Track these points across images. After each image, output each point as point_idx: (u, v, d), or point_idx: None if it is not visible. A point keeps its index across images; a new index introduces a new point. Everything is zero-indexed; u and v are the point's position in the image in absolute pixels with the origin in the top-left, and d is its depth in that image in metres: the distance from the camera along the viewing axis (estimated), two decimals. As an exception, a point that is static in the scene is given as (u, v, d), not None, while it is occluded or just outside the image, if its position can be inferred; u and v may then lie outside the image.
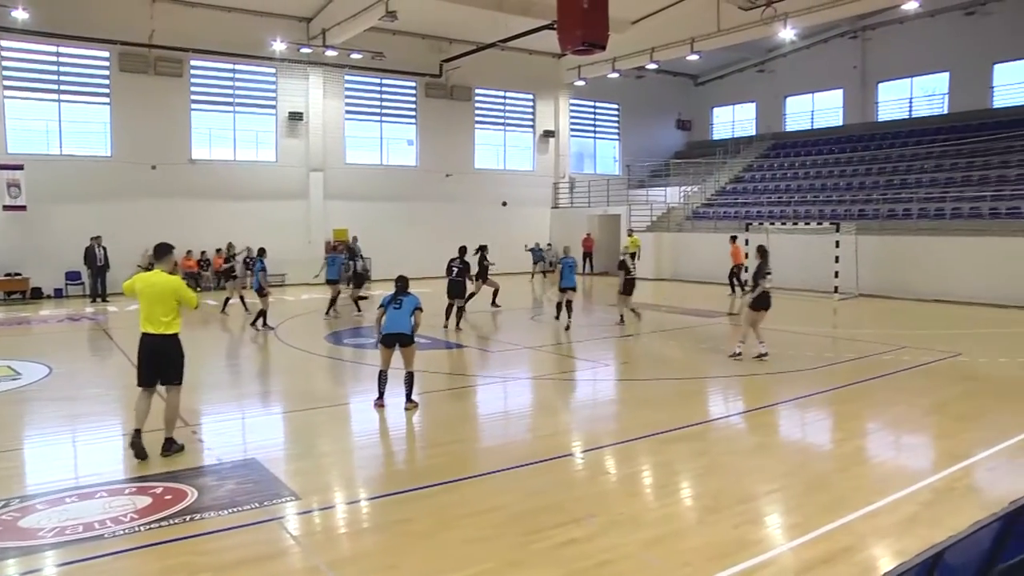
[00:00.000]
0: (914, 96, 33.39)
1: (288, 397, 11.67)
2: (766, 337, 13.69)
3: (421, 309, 10.04)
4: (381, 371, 10.17)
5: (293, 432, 9.52)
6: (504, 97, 35.90)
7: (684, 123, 42.23)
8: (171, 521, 6.22)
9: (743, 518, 6.33)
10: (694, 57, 30.39)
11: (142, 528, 6.10)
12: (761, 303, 13.35)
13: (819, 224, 25.12)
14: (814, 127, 36.90)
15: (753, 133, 39.07)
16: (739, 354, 13.43)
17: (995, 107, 29.99)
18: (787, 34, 26.48)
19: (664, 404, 10.28)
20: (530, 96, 36.45)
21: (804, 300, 23.03)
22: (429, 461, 8.17)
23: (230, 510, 6.45)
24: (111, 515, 6.35)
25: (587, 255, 34.55)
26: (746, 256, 23.87)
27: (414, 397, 10.13)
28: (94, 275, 25.06)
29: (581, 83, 35.24)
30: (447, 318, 17.60)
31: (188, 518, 6.28)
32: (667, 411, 9.84)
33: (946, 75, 31.77)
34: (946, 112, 31.69)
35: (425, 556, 5.63)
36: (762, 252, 13.66)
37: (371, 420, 10.16)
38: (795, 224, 26.07)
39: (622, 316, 18.48)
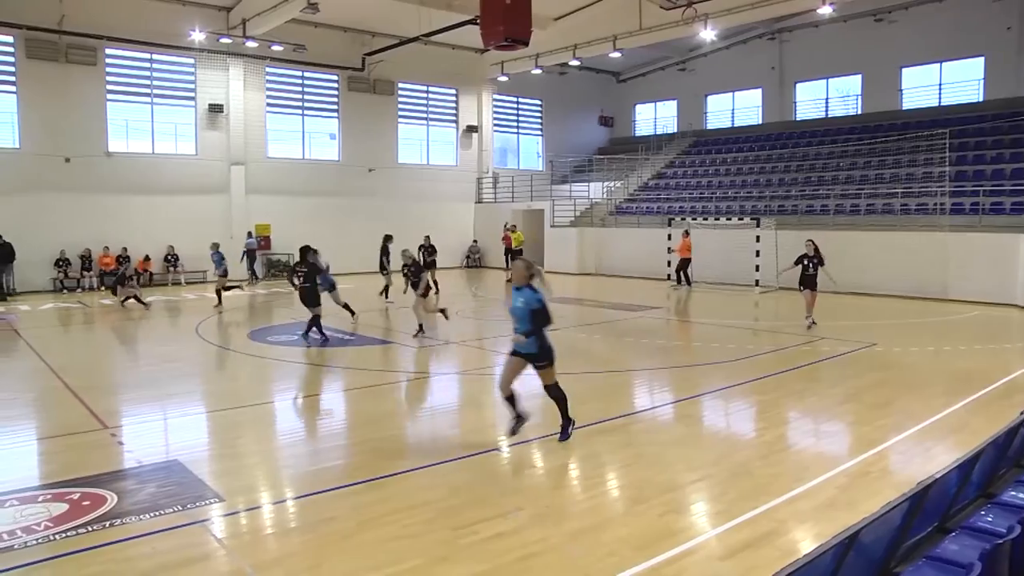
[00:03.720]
0: (829, 96, 34.40)
1: (211, 397, 11.45)
2: (696, 330, 13.92)
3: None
4: None
5: (216, 432, 9.34)
6: (427, 91, 35.70)
7: (607, 119, 42.70)
8: (89, 528, 6.03)
9: (668, 507, 6.46)
10: (616, 55, 30.69)
11: (58, 536, 5.89)
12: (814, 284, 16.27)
13: (740, 219, 25.76)
14: (734, 125, 37.72)
15: (675, 130, 39.68)
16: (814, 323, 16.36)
17: (905, 108, 31.09)
18: (707, 34, 26.98)
19: (589, 397, 10.36)
20: (453, 91, 36.35)
21: (726, 293, 23.58)
22: (353, 459, 8.10)
23: (152, 514, 6.29)
24: (23, 524, 6.11)
25: (508, 251, 34.59)
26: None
27: None
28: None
29: (504, 78, 35.30)
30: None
31: (107, 524, 6.10)
32: (592, 404, 9.92)
33: (859, 77, 32.87)
34: (859, 112, 32.75)
35: (352, 555, 5.61)
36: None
37: (295, 419, 10.05)
38: (717, 219, 26.66)
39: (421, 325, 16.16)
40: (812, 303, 16.50)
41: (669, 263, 26.18)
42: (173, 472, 7.38)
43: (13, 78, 25.65)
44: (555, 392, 8.32)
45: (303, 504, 6.67)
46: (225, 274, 21.14)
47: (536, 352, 8.15)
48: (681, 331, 17.92)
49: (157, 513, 6.31)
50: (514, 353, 8.30)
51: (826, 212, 25.93)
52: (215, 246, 21.43)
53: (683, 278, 25.36)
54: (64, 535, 5.92)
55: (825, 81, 34.33)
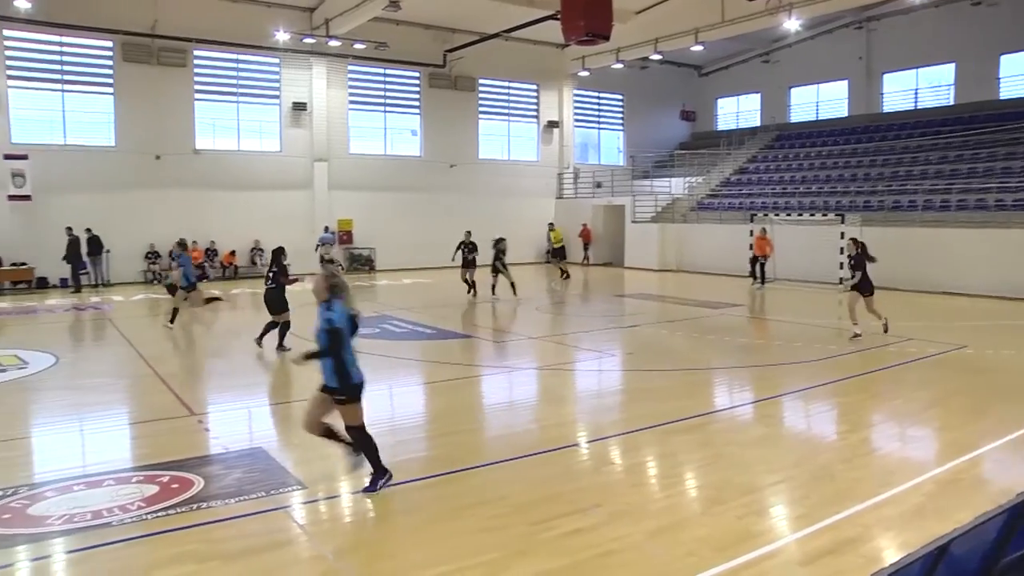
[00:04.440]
0: (919, 87, 33.22)
1: (294, 387, 11.70)
2: (777, 329, 13.67)
3: None
4: None
5: (298, 422, 9.49)
6: (508, 87, 35.81)
7: (688, 114, 42.12)
8: (178, 509, 6.26)
9: (747, 509, 6.34)
10: (698, 48, 30.25)
11: (149, 516, 6.14)
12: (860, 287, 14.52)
13: (824, 215, 25.13)
14: (819, 118, 36.72)
15: (757, 124, 38.89)
16: (859, 335, 14.49)
17: (1002, 98, 29.83)
18: (792, 25, 26.36)
19: (668, 395, 10.28)
20: (534, 86, 36.36)
21: (808, 291, 23.04)
22: (433, 451, 8.19)
23: (237, 499, 6.49)
24: (119, 503, 6.39)
25: (586, 245, 34.75)
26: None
27: None
28: (75, 267, 24.92)
29: (585, 73, 35.12)
30: (270, 337, 13.97)
31: (195, 506, 6.32)
32: (671, 402, 9.84)
33: (952, 66, 31.61)
34: (952, 103, 31.56)
35: (430, 546, 5.65)
36: (859, 243, 14.79)
37: (376, 410, 10.18)
38: (800, 215, 26.05)
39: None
40: (870, 308, 14.68)
41: (751, 260, 25.65)
42: (257, 459, 7.58)
43: (111, 81, 26.88)
44: (357, 436, 6.75)
45: (383, 494, 6.74)
46: (193, 284, 16.59)
47: (336, 385, 6.74)
48: (762, 329, 17.59)
49: (242, 498, 6.50)
50: (322, 387, 6.90)
51: (914, 208, 25.07)
52: (180, 244, 17.57)
53: (758, 275, 24.88)
54: (155, 515, 6.16)
55: (915, 71, 33.13)
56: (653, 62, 35.37)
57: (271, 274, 13.86)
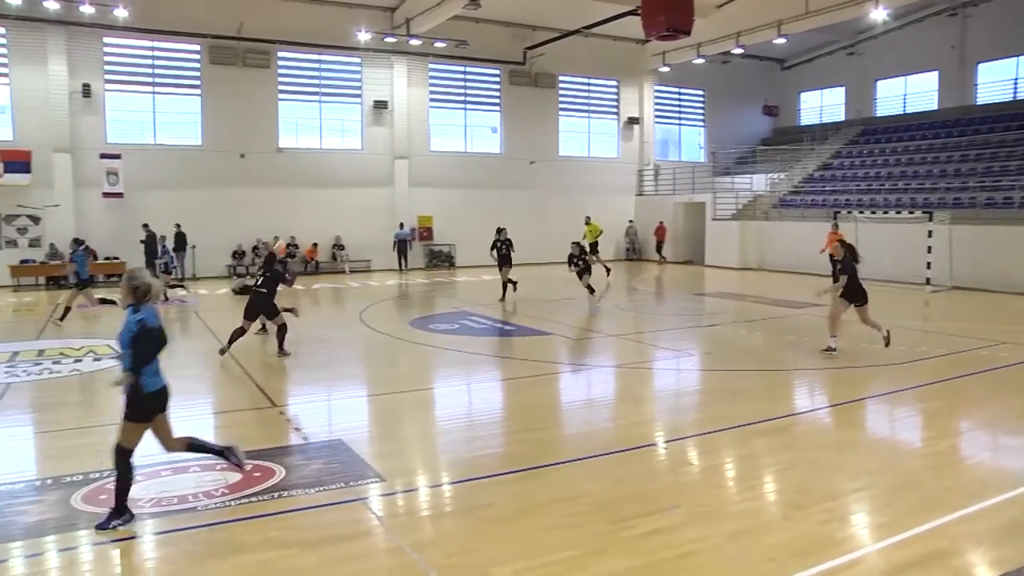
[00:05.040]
0: (1020, 77, 31.69)
1: (372, 381, 11.85)
2: (860, 330, 13.27)
3: None
4: None
5: (377, 415, 9.67)
6: (588, 84, 35.67)
7: (770, 109, 41.24)
8: (260, 497, 6.40)
9: (829, 515, 6.14)
10: (781, 41, 29.62)
11: (232, 503, 6.31)
12: (850, 295, 12.73)
13: (911, 213, 24.23)
14: (906, 111, 35.47)
15: (842, 118, 37.81)
16: (833, 350, 12.78)
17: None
18: (879, 14, 25.56)
19: (748, 396, 10.07)
20: (614, 82, 36.14)
21: (894, 292, 22.30)
22: (511, 447, 8.18)
23: (316, 489, 6.60)
24: (204, 489, 6.58)
25: (660, 243, 34.41)
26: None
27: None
28: (150, 262, 25.67)
29: (665, 69, 34.77)
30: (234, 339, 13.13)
31: (276, 495, 6.46)
32: (751, 403, 9.64)
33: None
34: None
35: (508, 541, 5.65)
36: (847, 244, 13.22)
37: (454, 406, 10.26)
38: (885, 213, 25.23)
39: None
40: (865, 319, 12.94)
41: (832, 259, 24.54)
42: (337, 451, 7.69)
43: (198, 82, 27.97)
44: (119, 461, 5.91)
45: (461, 489, 6.79)
46: (85, 282, 17.13)
47: (127, 395, 6.05)
48: (844, 330, 17.05)
49: (321, 488, 6.61)
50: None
51: (1009, 205, 24.03)
52: (76, 241, 18.02)
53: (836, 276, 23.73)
54: (238, 502, 6.33)
55: (1015, 59, 31.44)
56: (735, 56, 34.78)
57: (262, 279, 13.10)
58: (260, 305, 12.98)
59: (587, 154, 35.81)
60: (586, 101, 35.86)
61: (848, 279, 12.63)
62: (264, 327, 14.62)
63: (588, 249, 25.70)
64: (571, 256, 19.41)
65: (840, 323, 12.87)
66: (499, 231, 21.06)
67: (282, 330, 13.10)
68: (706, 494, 6.71)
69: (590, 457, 7.57)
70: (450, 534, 5.83)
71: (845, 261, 12.78)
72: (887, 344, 12.58)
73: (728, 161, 38.00)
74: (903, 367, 11.98)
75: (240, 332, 12.87)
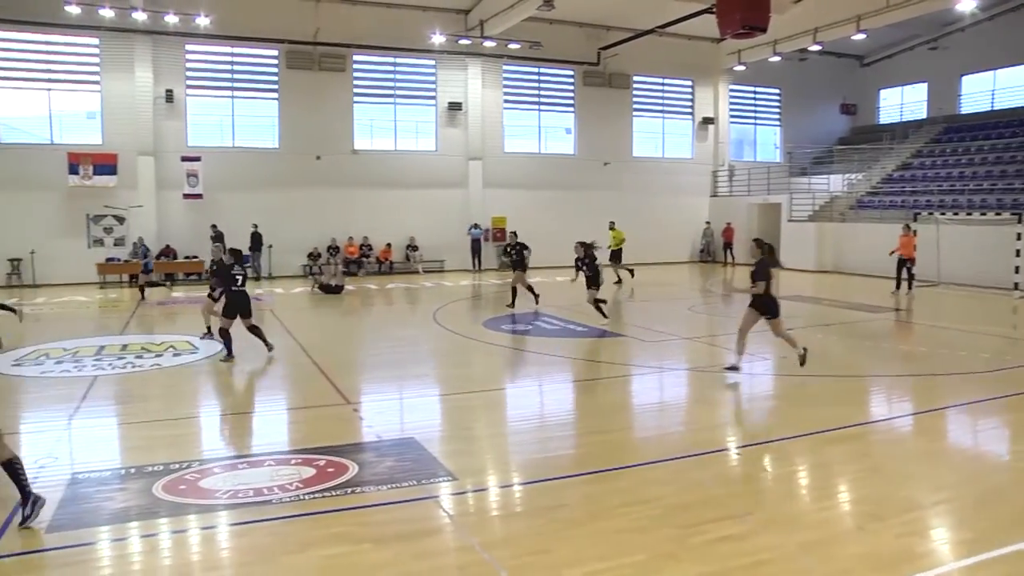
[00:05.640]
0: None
1: (445, 380, 11.91)
2: (942, 336, 12.82)
3: None
4: None
5: (450, 414, 9.70)
6: (662, 84, 35.33)
7: (849, 107, 40.10)
8: (333, 492, 6.48)
9: (908, 528, 5.91)
10: (860, 36, 28.79)
11: (306, 497, 6.40)
12: (760, 305, 11.02)
13: (997, 214, 23.31)
14: (994, 108, 34.03)
15: (924, 116, 36.58)
16: (736, 368, 11.17)
17: None
18: (967, 5, 24.65)
19: (823, 402, 9.78)
20: (689, 82, 35.71)
21: (977, 297, 21.52)
22: (582, 449, 8.12)
23: (389, 485, 6.65)
24: (278, 482, 6.70)
25: (727, 245, 33.90)
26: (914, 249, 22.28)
27: None
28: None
29: (741, 68, 34.21)
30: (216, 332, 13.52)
31: (349, 490, 6.53)
32: (826, 409, 9.36)
33: None
34: None
35: (578, 543, 5.59)
36: (764, 244, 11.45)
37: (526, 406, 10.23)
38: (969, 214, 24.31)
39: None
40: (778, 332, 11.27)
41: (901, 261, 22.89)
42: (409, 448, 7.74)
43: (276, 87, 28.71)
44: None
45: (532, 489, 6.76)
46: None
47: None
48: (925, 336, 16.52)
49: (394, 485, 6.66)
50: None
51: (1107, 206, 22.95)
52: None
53: (903, 279, 22.39)
54: (312, 496, 6.42)
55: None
56: (812, 53, 33.90)
57: (240, 277, 12.79)
58: (241, 304, 12.73)
59: (661, 155, 35.45)
60: (660, 101, 35.50)
61: (766, 286, 10.88)
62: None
63: (609, 255, 24.86)
64: (578, 259, 16.86)
65: (746, 336, 11.22)
66: (511, 235, 20.83)
67: (253, 330, 12.90)
68: (779, 502, 6.57)
69: (661, 461, 7.47)
70: (521, 534, 5.80)
71: (760, 265, 10.96)
72: (802, 363, 10.92)
73: (804, 161, 37.14)
74: (987, 376, 11.49)
75: (225, 333, 12.58)
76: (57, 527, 5.82)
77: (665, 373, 12.19)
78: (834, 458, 7.73)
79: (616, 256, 25.73)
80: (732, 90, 36.67)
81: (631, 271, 25.86)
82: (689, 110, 36.02)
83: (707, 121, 35.86)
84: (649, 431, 8.97)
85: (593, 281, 16.45)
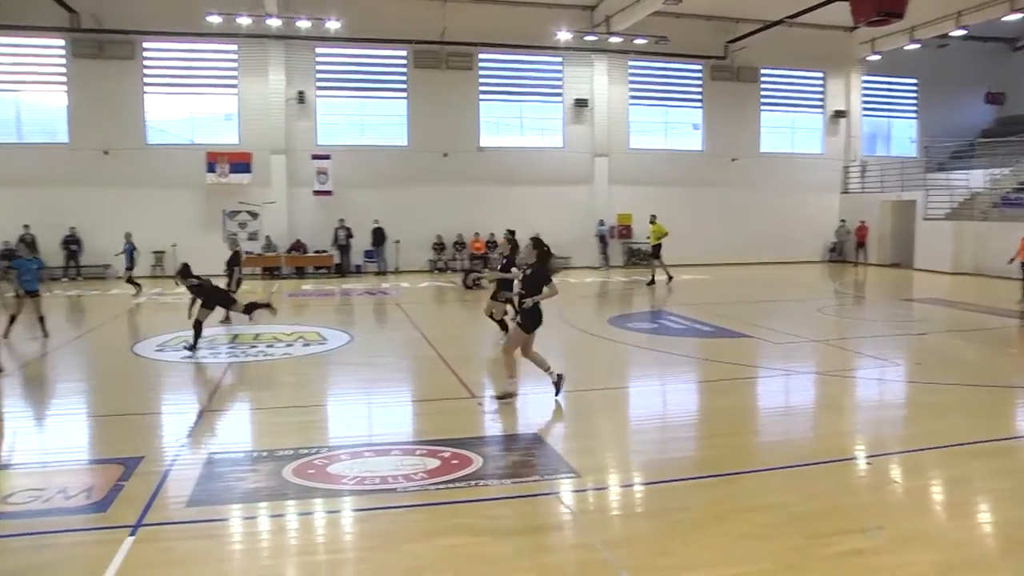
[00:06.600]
0: None
1: (570, 377, 11.87)
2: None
3: None
4: None
5: (574, 411, 9.66)
6: (792, 76, 34.30)
7: (995, 96, 37.32)
8: (457, 484, 6.61)
9: (1060, 558, 5.51)
10: (1014, 17, 26.50)
11: (430, 487, 6.56)
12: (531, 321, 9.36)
13: None
14: None
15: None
16: (510, 397, 9.53)
17: None
18: None
19: (961, 413, 9.28)
20: (819, 74, 34.49)
21: None
22: (706, 451, 8.01)
23: (512, 480, 6.75)
24: (403, 472, 6.88)
25: (860, 244, 32.52)
26: None
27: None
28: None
29: (875, 57, 32.81)
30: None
31: (473, 483, 6.65)
32: (966, 421, 8.89)
33: None
34: None
35: (700, 547, 5.53)
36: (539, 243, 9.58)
37: (651, 406, 10.17)
38: None
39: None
40: (526, 352, 9.72)
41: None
42: (533, 444, 7.84)
43: (404, 86, 29.48)
44: None
45: (654, 490, 6.72)
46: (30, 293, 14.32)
47: None
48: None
49: (517, 479, 6.75)
50: None
51: None
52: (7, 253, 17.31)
53: None
54: (436, 487, 6.58)
55: None
56: (954, 39, 31.51)
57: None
58: (219, 299, 13.49)
59: (790, 150, 34.42)
60: (789, 95, 34.48)
61: (532, 296, 9.21)
62: (228, 317, 15.51)
63: (652, 252, 24.04)
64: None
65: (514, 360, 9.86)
66: (509, 233, 16.54)
67: (249, 308, 13.65)
68: (913, 517, 6.23)
69: (787, 467, 7.29)
70: (642, 535, 5.78)
71: (534, 273, 9.35)
72: (557, 392, 9.60)
73: (942, 155, 35.20)
74: None
75: (198, 325, 12.94)
76: (196, 502, 6.23)
77: (792, 376, 11.87)
78: (974, 473, 7.28)
79: (656, 252, 24.49)
80: (865, 81, 35.13)
81: (669, 275, 24.18)
82: (820, 103, 34.81)
83: (838, 114, 34.54)
84: (775, 435, 8.73)
85: (500, 293, 13.87)
